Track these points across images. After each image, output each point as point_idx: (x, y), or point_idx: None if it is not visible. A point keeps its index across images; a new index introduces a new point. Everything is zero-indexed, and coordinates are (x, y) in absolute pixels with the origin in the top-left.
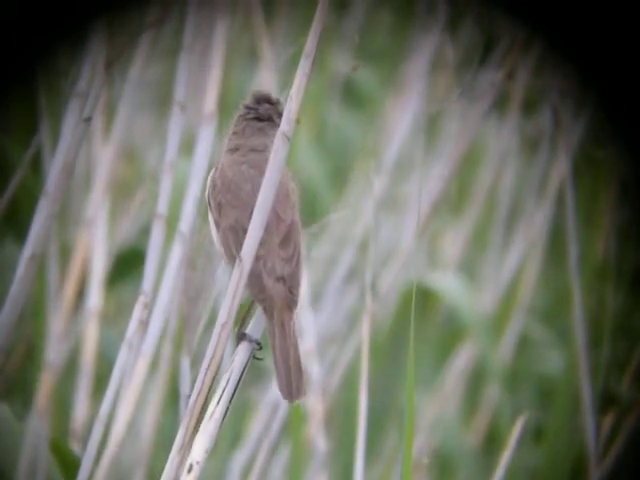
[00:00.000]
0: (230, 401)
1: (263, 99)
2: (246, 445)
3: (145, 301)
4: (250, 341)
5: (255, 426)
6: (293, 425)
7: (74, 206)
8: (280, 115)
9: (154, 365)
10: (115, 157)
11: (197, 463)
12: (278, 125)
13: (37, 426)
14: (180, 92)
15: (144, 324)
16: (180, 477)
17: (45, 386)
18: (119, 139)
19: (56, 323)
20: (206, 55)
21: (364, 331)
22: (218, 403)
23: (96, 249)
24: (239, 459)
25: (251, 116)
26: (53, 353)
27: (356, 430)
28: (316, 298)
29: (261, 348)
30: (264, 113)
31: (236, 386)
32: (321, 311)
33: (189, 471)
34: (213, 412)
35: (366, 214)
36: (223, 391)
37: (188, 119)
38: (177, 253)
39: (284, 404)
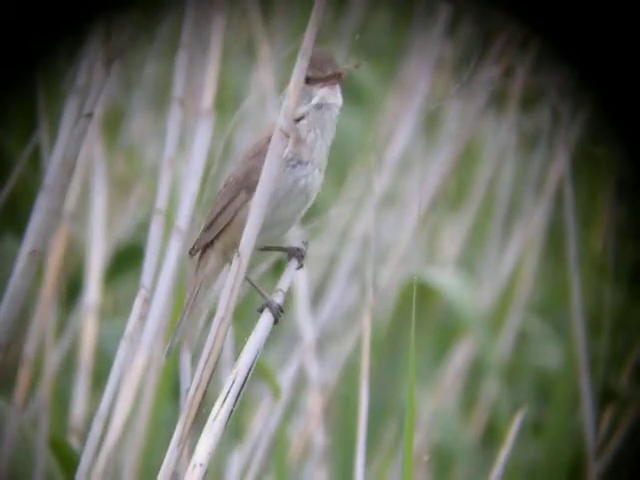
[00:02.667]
0: (234, 404)
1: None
2: (245, 443)
3: (146, 295)
4: (273, 308)
5: (254, 424)
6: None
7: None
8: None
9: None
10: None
11: (200, 465)
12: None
13: (17, 419)
14: (179, 88)
15: (143, 319)
16: (179, 472)
17: (23, 381)
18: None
19: (37, 317)
20: (204, 52)
21: (365, 327)
22: (222, 405)
23: (94, 245)
24: (238, 457)
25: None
26: (31, 347)
27: (355, 425)
28: (317, 295)
29: (283, 311)
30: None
31: (241, 389)
32: (322, 308)
33: (192, 472)
34: (217, 414)
35: (366, 211)
36: (228, 393)
37: (186, 115)
38: (174, 248)
39: (283, 402)
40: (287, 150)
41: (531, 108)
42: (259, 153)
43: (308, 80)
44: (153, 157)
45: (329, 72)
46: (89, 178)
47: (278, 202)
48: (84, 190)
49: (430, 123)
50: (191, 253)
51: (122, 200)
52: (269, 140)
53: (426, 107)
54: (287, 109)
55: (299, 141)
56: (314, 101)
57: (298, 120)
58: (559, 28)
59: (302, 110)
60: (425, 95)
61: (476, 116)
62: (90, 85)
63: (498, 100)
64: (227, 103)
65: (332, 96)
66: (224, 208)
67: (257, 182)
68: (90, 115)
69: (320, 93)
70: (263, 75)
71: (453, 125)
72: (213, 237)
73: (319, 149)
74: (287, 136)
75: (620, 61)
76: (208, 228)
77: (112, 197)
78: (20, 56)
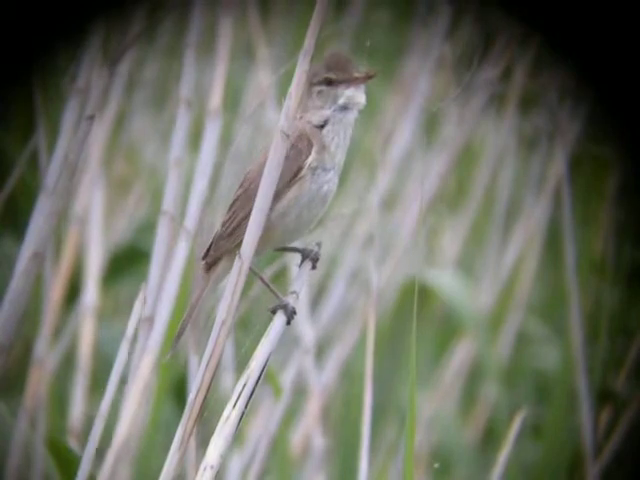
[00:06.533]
0: (246, 406)
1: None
2: (245, 445)
3: (145, 296)
4: (287, 310)
5: (254, 426)
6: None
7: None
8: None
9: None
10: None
11: (212, 467)
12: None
13: (25, 423)
14: (186, 89)
15: (150, 321)
16: (181, 474)
17: (34, 382)
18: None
19: (47, 320)
20: (209, 52)
21: (369, 327)
22: (234, 407)
23: (92, 246)
24: (238, 459)
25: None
26: (41, 350)
27: (355, 427)
28: (317, 296)
29: (296, 313)
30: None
31: (252, 391)
32: (322, 309)
33: (203, 473)
34: (229, 416)
35: (368, 211)
36: (239, 395)
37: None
38: (182, 250)
39: (283, 404)
40: (312, 158)
41: (530, 110)
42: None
43: (331, 82)
44: (153, 157)
45: (355, 73)
46: (88, 178)
47: (300, 209)
48: (83, 190)
49: (430, 124)
50: (207, 260)
51: (121, 200)
52: (291, 145)
53: (426, 108)
54: (288, 110)
55: (323, 148)
56: (341, 101)
57: (322, 127)
58: (559, 27)
59: (326, 114)
60: (425, 96)
61: (475, 118)
62: (90, 86)
63: (497, 102)
64: (227, 103)
65: (358, 95)
66: (246, 217)
67: (280, 189)
68: (92, 117)
69: (347, 93)
70: (262, 76)
71: (452, 126)
72: (234, 246)
73: (340, 155)
74: (288, 137)
75: (620, 61)
76: (229, 236)
77: (111, 197)
78: (20, 56)
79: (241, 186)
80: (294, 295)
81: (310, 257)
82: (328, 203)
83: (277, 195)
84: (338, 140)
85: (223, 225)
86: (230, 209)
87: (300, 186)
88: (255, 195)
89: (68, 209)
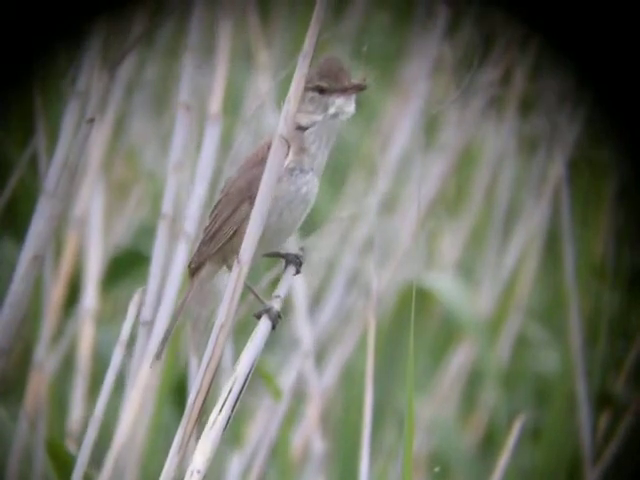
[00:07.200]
0: (232, 410)
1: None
2: (244, 449)
3: (140, 299)
4: (271, 314)
5: (253, 430)
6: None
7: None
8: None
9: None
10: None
11: (198, 472)
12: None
13: (26, 427)
14: (185, 92)
15: (150, 325)
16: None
17: (34, 386)
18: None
19: (46, 323)
20: (208, 55)
21: (370, 331)
22: (220, 412)
23: (92, 249)
24: (237, 463)
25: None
26: (42, 353)
27: (355, 431)
28: (316, 300)
29: (281, 317)
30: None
31: (238, 395)
32: (321, 313)
33: (190, 479)
34: (215, 421)
35: (367, 214)
36: (225, 400)
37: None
38: (181, 253)
39: (283, 407)
40: (289, 159)
41: (530, 112)
42: (261, 162)
43: (322, 91)
44: (152, 160)
45: (346, 83)
46: (88, 181)
47: (281, 210)
48: (83, 193)
49: (429, 127)
50: (191, 266)
51: (121, 204)
52: (269, 147)
53: (426, 111)
54: (287, 114)
55: (302, 150)
56: (331, 111)
57: (304, 129)
58: (559, 28)
59: (317, 119)
60: (424, 98)
61: (475, 120)
62: (91, 88)
63: (497, 104)
64: (227, 107)
65: (348, 104)
66: (226, 220)
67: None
68: (92, 120)
69: (337, 102)
70: (262, 79)
71: (452, 129)
72: (216, 250)
73: (321, 157)
74: (287, 142)
75: (620, 63)
76: (210, 240)
77: (111, 201)
78: (20, 57)
79: (222, 191)
80: (278, 299)
81: (294, 262)
82: (311, 204)
83: (255, 200)
84: (320, 143)
85: (205, 230)
86: (211, 214)
87: (278, 188)
88: (235, 200)
89: (68, 212)
